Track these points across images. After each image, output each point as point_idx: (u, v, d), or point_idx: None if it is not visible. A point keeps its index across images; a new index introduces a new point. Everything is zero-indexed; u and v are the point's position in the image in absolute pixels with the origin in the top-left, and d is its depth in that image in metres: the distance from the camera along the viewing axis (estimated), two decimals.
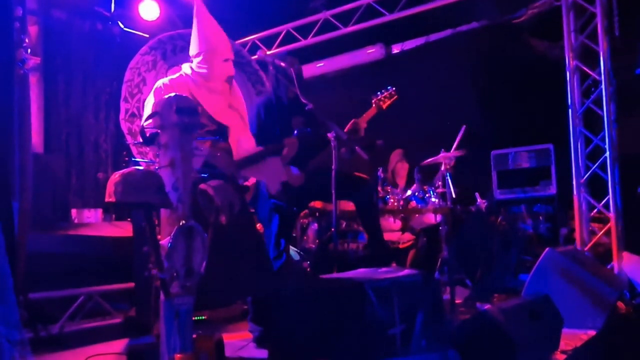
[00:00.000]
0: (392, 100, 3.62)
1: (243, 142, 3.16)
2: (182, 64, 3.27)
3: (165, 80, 3.10)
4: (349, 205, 3.88)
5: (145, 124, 2.12)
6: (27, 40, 2.74)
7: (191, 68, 3.13)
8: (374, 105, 3.60)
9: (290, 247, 4.29)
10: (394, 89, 3.64)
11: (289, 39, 6.35)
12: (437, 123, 5.35)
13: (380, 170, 4.78)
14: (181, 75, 3.14)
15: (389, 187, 4.75)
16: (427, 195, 4.62)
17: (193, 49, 3.13)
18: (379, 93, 3.63)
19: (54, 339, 3.31)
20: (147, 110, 3.01)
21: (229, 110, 3.17)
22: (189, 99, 1.96)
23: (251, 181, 3.23)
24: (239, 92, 3.44)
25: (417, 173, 4.85)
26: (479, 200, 5.01)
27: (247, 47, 6.36)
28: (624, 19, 4.48)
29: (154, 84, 3.17)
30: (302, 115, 3.40)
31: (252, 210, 3.29)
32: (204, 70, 3.07)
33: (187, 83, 3.07)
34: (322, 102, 3.55)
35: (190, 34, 3.22)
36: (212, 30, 3.11)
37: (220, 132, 3.01)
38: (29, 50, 2.78)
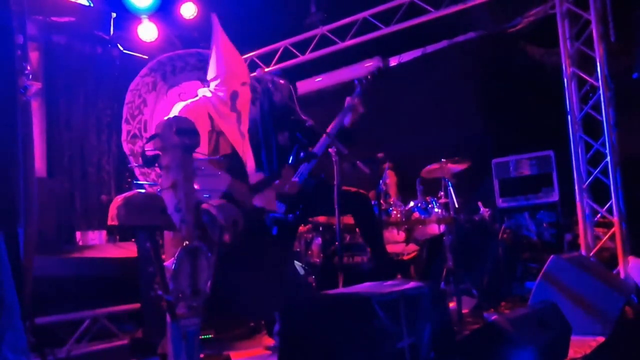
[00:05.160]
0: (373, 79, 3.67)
1: (249, 167, 3.22)
2: (198, 89, 3.34)
3: (182, 104, 3.15)
4: (351, 219, 3.89)
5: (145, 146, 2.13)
6: (28, 67, 2.76)
7: (211, 92, 3.20)
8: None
9: (295, 262, 4.28)
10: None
11: (287, 55, 6.40)
12: (437, 134, 5.37)
13: (382, 182, 4.79)
14: (201, 98, 3.21)
15: (391, 199, 4.75)
16: (429, 206, 4.62)
17: (211, 73, 3.21)
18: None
19: None
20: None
21: (241, 138, 3.24)
22: (188, 120, 1.97)
23: None
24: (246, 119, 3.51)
25: (419, 184, 4.85)
26: (482, 209, 5.00)
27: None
28: (619, 24, 4.50)
29: (154, 105, 3.22)
30: (287, 130, 3.46)
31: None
32: (222, 94, 3.14)
33: (207, 106, 3.14)
34: (321, 117, 3.58)
35: (188, 55, 3.28)
36: (230, 53, 3.22)
37: (236, 157, 3.06)
38: (30, 77, 2.80)
